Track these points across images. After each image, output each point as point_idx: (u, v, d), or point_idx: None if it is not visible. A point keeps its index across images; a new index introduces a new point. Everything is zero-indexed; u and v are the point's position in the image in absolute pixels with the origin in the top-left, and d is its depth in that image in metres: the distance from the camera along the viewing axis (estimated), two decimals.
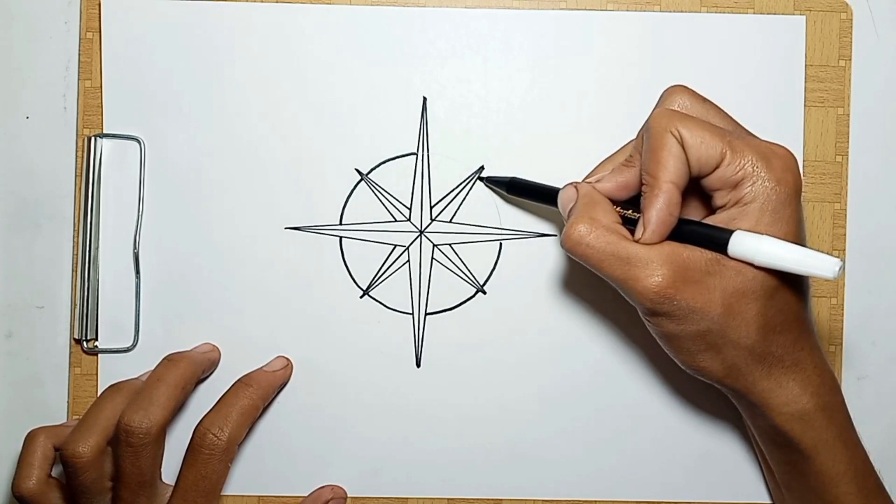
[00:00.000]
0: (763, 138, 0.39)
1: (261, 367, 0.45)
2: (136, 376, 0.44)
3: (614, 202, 0.39)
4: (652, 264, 0.35)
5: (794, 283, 0.37)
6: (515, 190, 0.44)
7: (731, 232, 0.35)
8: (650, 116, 0.37)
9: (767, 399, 0.38)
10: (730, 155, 0.36)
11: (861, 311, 0.46)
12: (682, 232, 0.36)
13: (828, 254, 0.34)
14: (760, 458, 0.44)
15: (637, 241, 0.36)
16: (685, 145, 0.36)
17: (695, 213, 0.39)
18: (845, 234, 0.46)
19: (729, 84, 0.45)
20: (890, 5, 0.46)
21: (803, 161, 0.45)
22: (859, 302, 0.46)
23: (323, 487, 0.46)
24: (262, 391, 0.43)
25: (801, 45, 0.45)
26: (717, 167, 0.36)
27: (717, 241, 0.36)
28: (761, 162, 0.36)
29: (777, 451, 0.40)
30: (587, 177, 0.41)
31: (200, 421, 0.41)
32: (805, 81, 0.45)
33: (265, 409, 0.45)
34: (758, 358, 0.37)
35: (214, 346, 0.46)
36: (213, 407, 0.42)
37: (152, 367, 0.43)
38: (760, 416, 0.39)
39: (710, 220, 0.37)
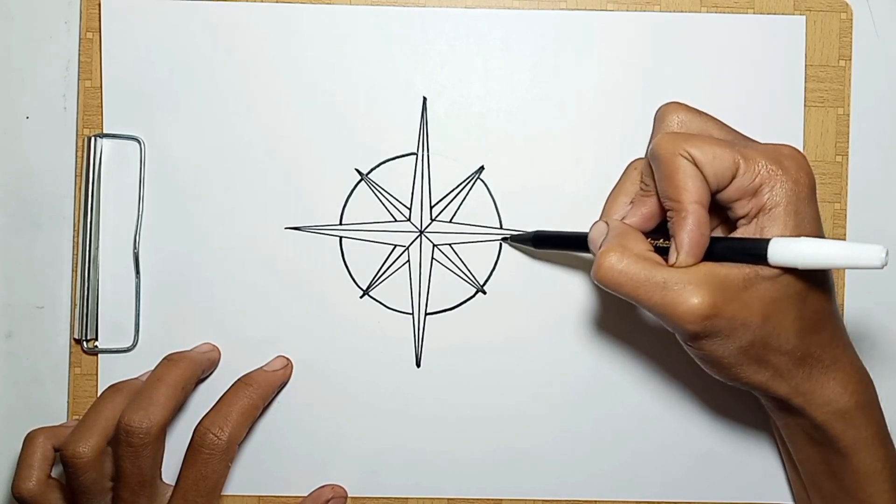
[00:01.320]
0: (764, 138, 0.39)
1: (261, 367, 0.45)
2: (136, 376, 0.44)
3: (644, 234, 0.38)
4: (689, 287, 0.35)
5: (822, 282, 0.37)
6: (542, 243, 0.44)
7: (767, 241, 0.35)
8: (654, 144, 0.37)
9: (810, 400, 0.37)
10: (743, 164, 0.36)
11: (861, 311, 0.46)
12: (716, 251, 0.36)
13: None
14: (785, 458, 0.44)
15: (672, 266, 0.36)
16: (698, 164, 0.35)
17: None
18: (845, 235, 0.46)
19: (729, 84, 0.45)
20: (890, 5, 0.46)
21: None
22: (859, 302, 0.46)
23: (323, 487, 0.46)
24: (262, 391, 0.43)
25: (801, 45, 0.45)
26: (733, 178, 0.36)
27: (754, 252, 0.35)
28: (774, 165, 0.36)
29: (812, 450, 0.40)
30: (602, 215, 0.41)
31: (200, 421, 0.41)
32: (805, 81, 0.45)
33: (265, 408, 0.45)
34: (798, 361, 0.37)
35: (214, 346, 0.46)
36: (213, 407, 0.42)
37: (152, 367, 0.43)
38: (802, 417, 0.38)
39: (738, 234, 0.37)
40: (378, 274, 0.46)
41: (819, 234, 0.36)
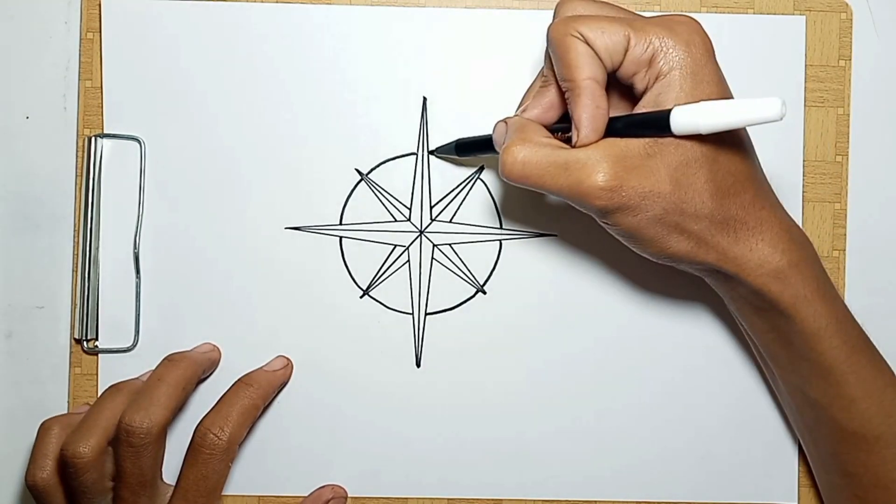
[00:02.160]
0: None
1: (261, 367, 0.45)
2: (136, 376, 0.44)
3: (547, 128, 0.38)
4: (590, 162, 0.35)
5: (735, 143, 0.37)
6: (464, 150, 0.44)
7: (668, 111, 0.35)
8: (548, 30, 0.37)
9: (741, 265, 0.37)
10: (634, 35, 0.36)
11: (861, 310, 0.46)
12: (619, 128, 0.36)
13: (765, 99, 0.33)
14: (758, 356, 0.44)
15: (574, 147, 0.36)
16: (588, 41, 0.36)
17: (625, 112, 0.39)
18: (845, 234, 0.46)
19: (729, 84, 0.45)
20: (890, 5, 0.46)
21: (803, 161, 0.45)
22: (859, 302, 0.46)
23: (323, 487, 0.46)
24: (262, 391, 0.43)
25: (801, 45, 0.45)
26: (626, 52, 0.36)
27: (656, 125, 0.35)
28: (666, 32, 0.36)
29: (758, 320, 0.40)
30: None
31: (201, 421, 0.41)
32: (805, 81, 0.45)
33: (265, 408, 0.45)
34: (721, 225, 0.37)
35: (215, 346, 0.46)
36: (214, 407, 0.42)
37: (152, 367, 0.43)
38: (738, 284, 0.38)
39: (639, 109, 0.36)
40: (378, 274, 0.46)
41: (723, 97, 0.36)
